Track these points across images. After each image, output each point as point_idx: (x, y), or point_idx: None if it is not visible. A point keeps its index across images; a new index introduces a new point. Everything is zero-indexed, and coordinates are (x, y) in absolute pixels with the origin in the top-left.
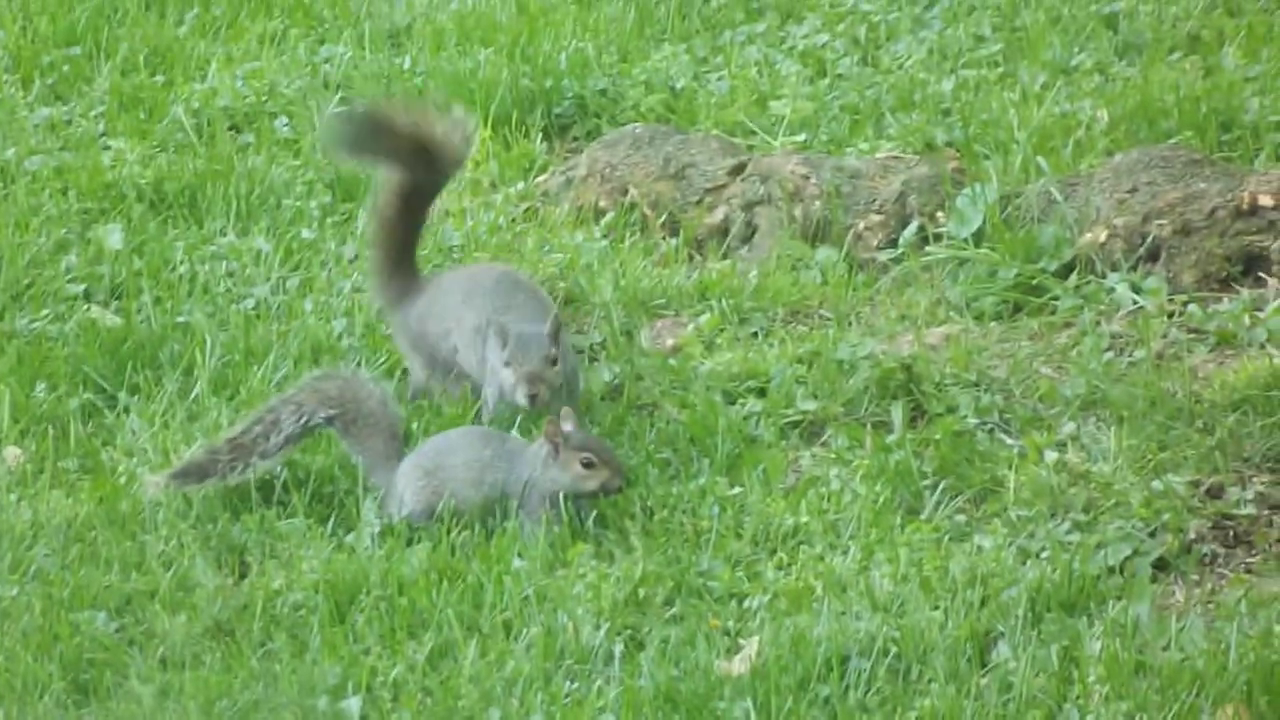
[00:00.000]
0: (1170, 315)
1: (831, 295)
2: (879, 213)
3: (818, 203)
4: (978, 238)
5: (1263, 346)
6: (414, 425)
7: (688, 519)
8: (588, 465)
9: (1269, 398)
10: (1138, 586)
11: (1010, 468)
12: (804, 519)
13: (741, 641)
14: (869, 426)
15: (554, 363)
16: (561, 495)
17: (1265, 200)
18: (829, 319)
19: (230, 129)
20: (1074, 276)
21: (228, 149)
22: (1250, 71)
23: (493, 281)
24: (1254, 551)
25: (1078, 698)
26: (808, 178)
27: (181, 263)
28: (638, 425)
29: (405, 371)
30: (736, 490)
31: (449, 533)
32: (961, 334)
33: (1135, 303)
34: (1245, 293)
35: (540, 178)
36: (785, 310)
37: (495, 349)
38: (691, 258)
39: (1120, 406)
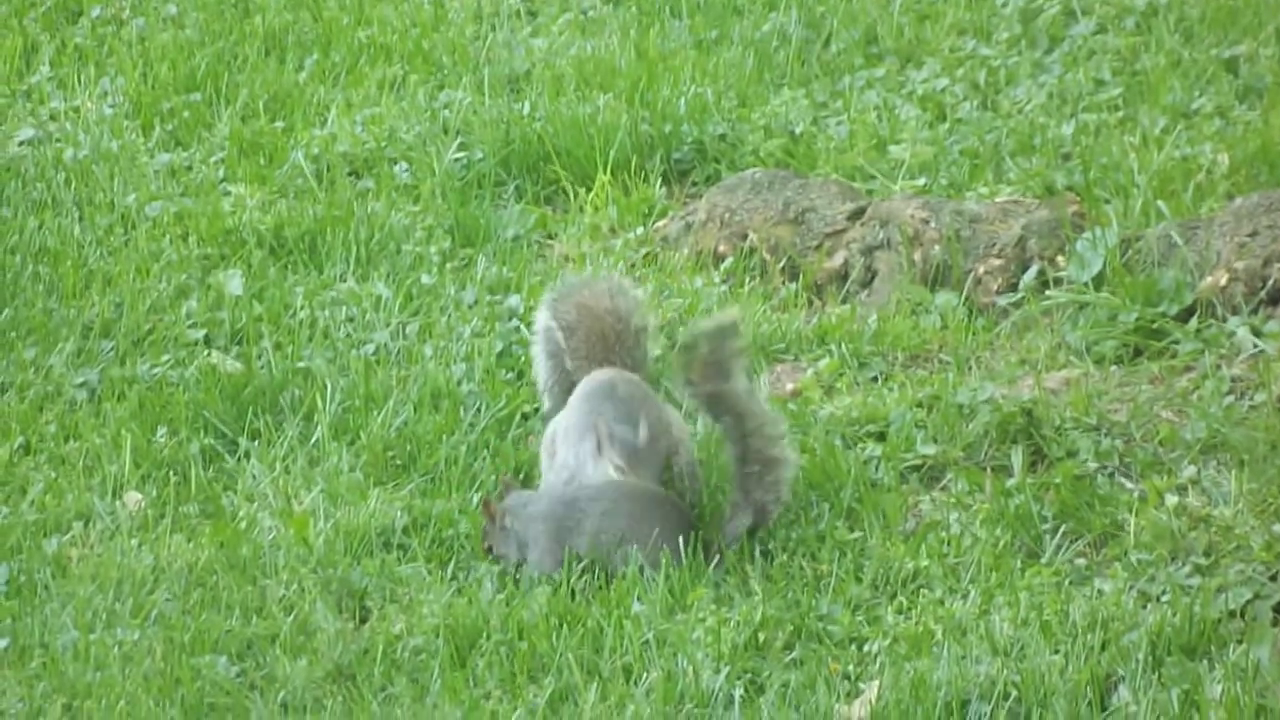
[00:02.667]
0: None
1: (951, 339)
2: (999, 257)
3: (937, 247)
4: (1098, 282)
5: None
6: None
7: (807, 563)
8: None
9: None
10: (1259, 630)
11: (1130, 511)
12: (924, 563)
13: (861, 686)
14: (989, 471)
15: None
16: None
17: None
18: (948, 363)
19: (350, 174)
20: (1194, 320)
21: (347, 194)
22: None
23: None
24: None
25: None
26: (927, 222)
27: (301, 308)
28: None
29: (524, 416)
30: (856, 534)
31: (569, 578)
32: (1081, 378)
33: (1256, 346)
34: None
35: (659, 223)
36: (904, 355)
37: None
38: (811, 302)
39: (1241, 450)
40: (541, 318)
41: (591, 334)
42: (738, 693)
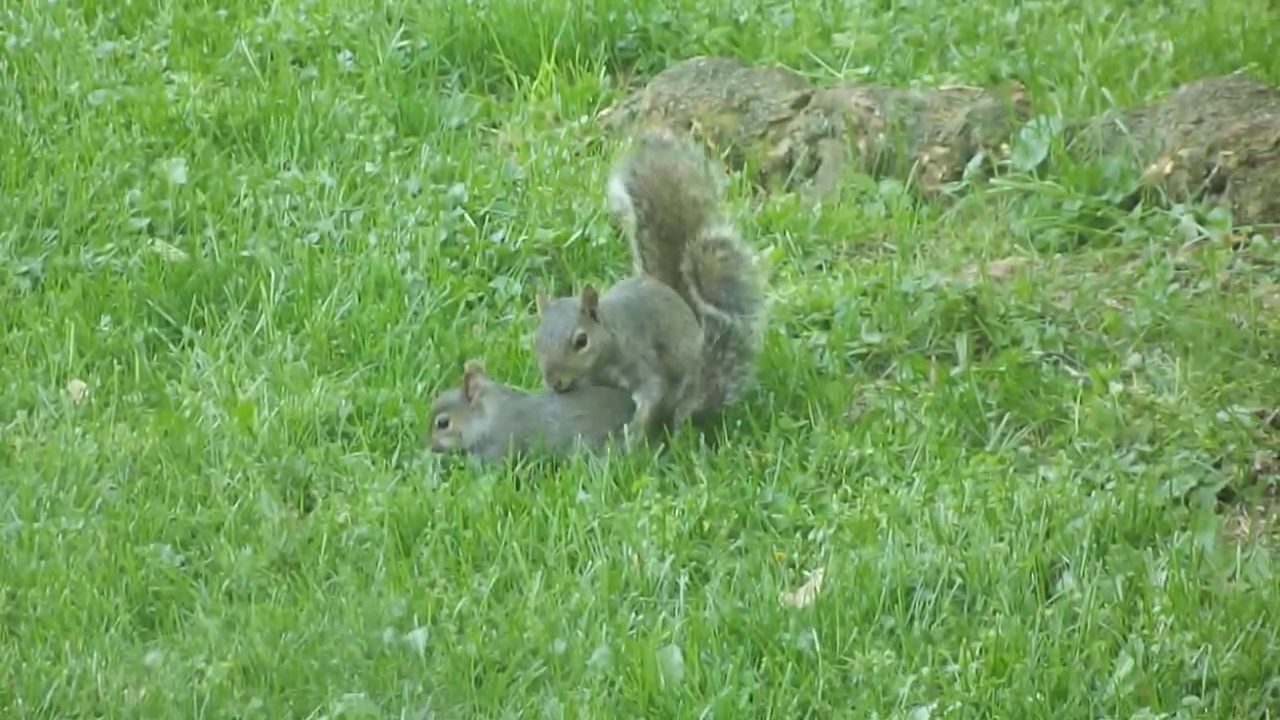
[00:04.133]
0: (1235, 246)
1: (896, 228)
2: (943, 145)
3: (882, 135)
4: (1042, 170)
5: None
6: None
7: (752, 451)
8: (442, 425)
9: None
10: (1203, 517)
11: (1075, 399)
12: (869, 451)
13: (806, 573)
14: (934, 359)
15: (580, 344)
16: None
17: None
18: (893, 252)
19: (293, 63)
20: (1139, 208)
21: (291, 83)
22: None
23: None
24: None
25: (1143, 628)
26: (872, 110)
27: (245, 197)
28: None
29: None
30: (801, 423)
31: (514, 466)
32: (1026, 266)
33: (1200, 234)
34: None
35: (604, 111)
36: (849, 243)
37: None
38: (755, 191)
39: (1185, 338)
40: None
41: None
42: (683, 581)
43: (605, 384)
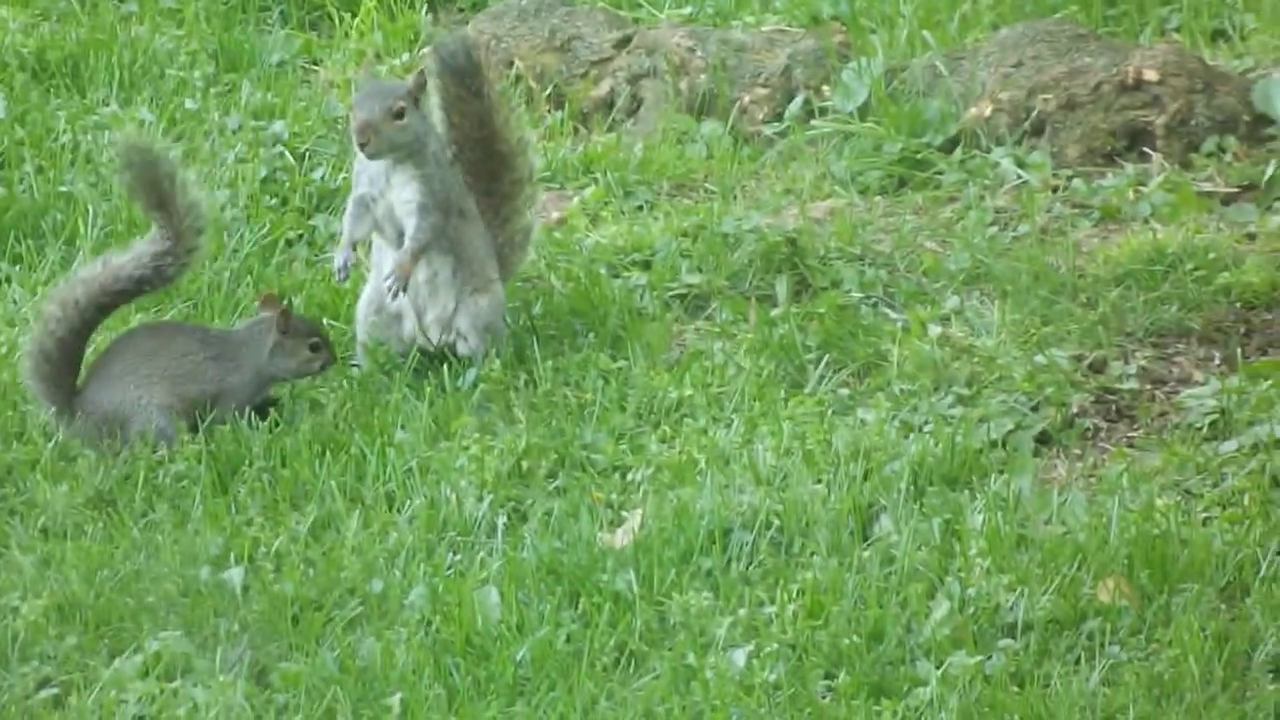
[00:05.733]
0: (1054, 190)
1: (716, 169)
2: (764, 86)
3: (703, 76)
4: (863, 112)
5: (1146, 221)
6: None
7: (571, 392)
8: (315, 349)
9: (1152, 272)
10: (1020, 460)
11: (894, 342)
12: (688, 392)
13: (624, 514)
14: (753, 300)
15: (399, 116)
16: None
17: (1150, 75)
18: (714, 193)
19: None
20: (959, 151)
21: (111, 18)
22: None
23: None
24: (1136, 426)
25: (959, 571)
26: (693, 51)
27: (64, 132)
28: (522, 297)
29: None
30: (620, 363)
31: (332, 405)
32: (846, 208)
33: (1020, 177)
34: (1129, 168)
35: (425, 50)
36: (670, 184)
37: None
38: (576, 131)
39: (1004, 281)
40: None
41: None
42: (501, 521)
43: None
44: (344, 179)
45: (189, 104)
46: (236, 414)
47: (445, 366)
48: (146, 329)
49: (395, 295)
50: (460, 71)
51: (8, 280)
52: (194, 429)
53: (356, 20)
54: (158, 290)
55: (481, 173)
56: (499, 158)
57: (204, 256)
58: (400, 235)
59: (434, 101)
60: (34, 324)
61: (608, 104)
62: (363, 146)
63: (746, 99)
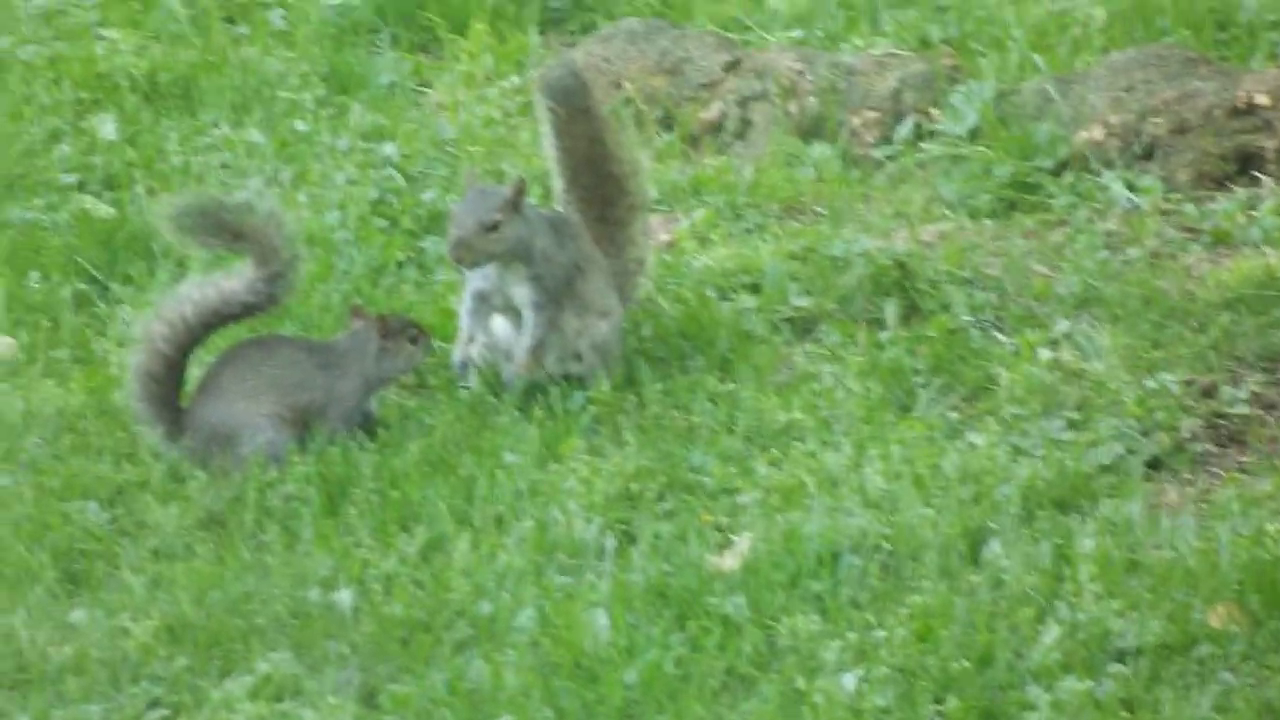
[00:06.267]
0: (1165, 214)
1: (826, 192)
2: (874, 109)
3: (813, 99)
4: (973, 135)
5: (1257, 245)
6: None
7: (680, 414)
8: (415, 340)
9: (1263, 296)
10: (1130, 485)
11: (1004, 365)
12: (797, 415)
13: (733, 537)
14: (863, 323)
15: (493, 229)
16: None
17: (1260, 99)
18: (823, 215)
19: (224, 20)
20: (1069, 174)
21: (222, 40)
22: None
23: None
24: (1246, 450)
25: (1070, 595)
26: (803, 74)
27: (175, 154)
28: (632, 320)
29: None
30: (729, 386)
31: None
32: (956, 231)
33: (1130, 201)
34: (1240, 191)
35: (535, 72)
36: (779, 206)
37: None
38: (686, 153)
39: (1114, 305)
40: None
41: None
42: (610, 543)
43: (500, 293)
44: (453, 201)
45: (299, 126)
46: (343, 425)
47: (554, 389)
48: (250, 343)
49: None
50: (567, 93)
51: (119, 301)
52: (303, 442)
53: (466, 42)
54: (265, 313)
55: (596, 199)
56: (613, 181)
57: (303, 275)
58: (518, 315)
59: (545, 130)
60: (140, 344)
61: (717, 127)
62: (459, 262)
63: (856, 122)
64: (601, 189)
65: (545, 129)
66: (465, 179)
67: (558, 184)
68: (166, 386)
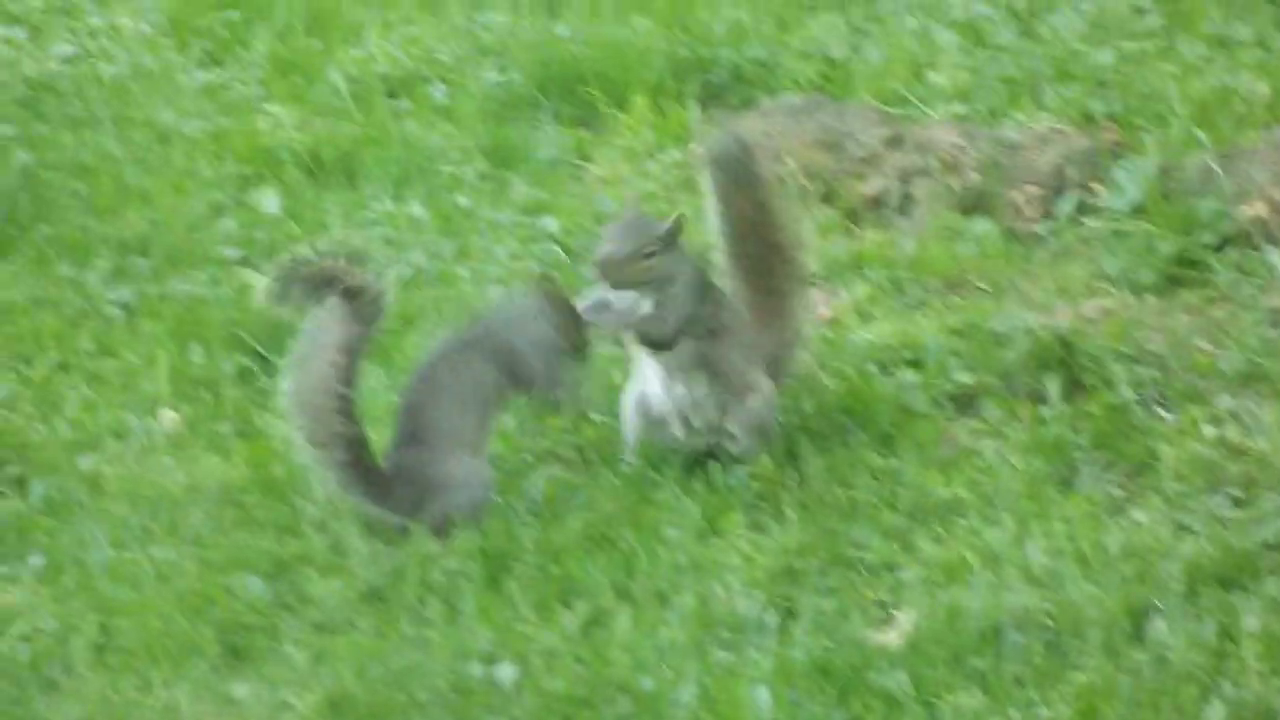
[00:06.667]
0: None
1: (988, 267)
2: (1036, 184)
3: (975, 174)
4: (1135, 210)
5: None
6: None
7: (842, 490)
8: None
9: None
10: None
11: (1167, 442)
12: (959, 491)
13: (895, 613)
14: (1025, 399)
15: (648, 256)
16: None
17: None
18: (985, 291)
19: (386, 95)
20: (1232, 250)
21: (384, 115)
22: None
23: None
24: None
25: (1234, 674)
26: (964, 149)
27: (337, 228)
28: (793, 395)
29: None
30: (891, 462)
31: (602, 501)
32: (1118, 307)
33: None
34: None
35: (695, 146)
36: (941, 282)
37: None
38: (847, 228)
39: (1278, 381)
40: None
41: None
42: (771, 619)
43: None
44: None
45: (461, 200)
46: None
47: (715, 464)
48: (422, 377)
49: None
50: (734, 160)
51: (280, 375)
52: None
53: (627, 117)
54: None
55: (759, 269)
56: (777, 251)
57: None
58: (671, 381)
59: (710, 200)
60: (311, 430)
61: (878, 201)
62: (604, 277)
63: (1018, 197)
64: (765, 259)
65: (710, 198)
66: (625, 204)
67: (721, 257)
68: (360, 451)
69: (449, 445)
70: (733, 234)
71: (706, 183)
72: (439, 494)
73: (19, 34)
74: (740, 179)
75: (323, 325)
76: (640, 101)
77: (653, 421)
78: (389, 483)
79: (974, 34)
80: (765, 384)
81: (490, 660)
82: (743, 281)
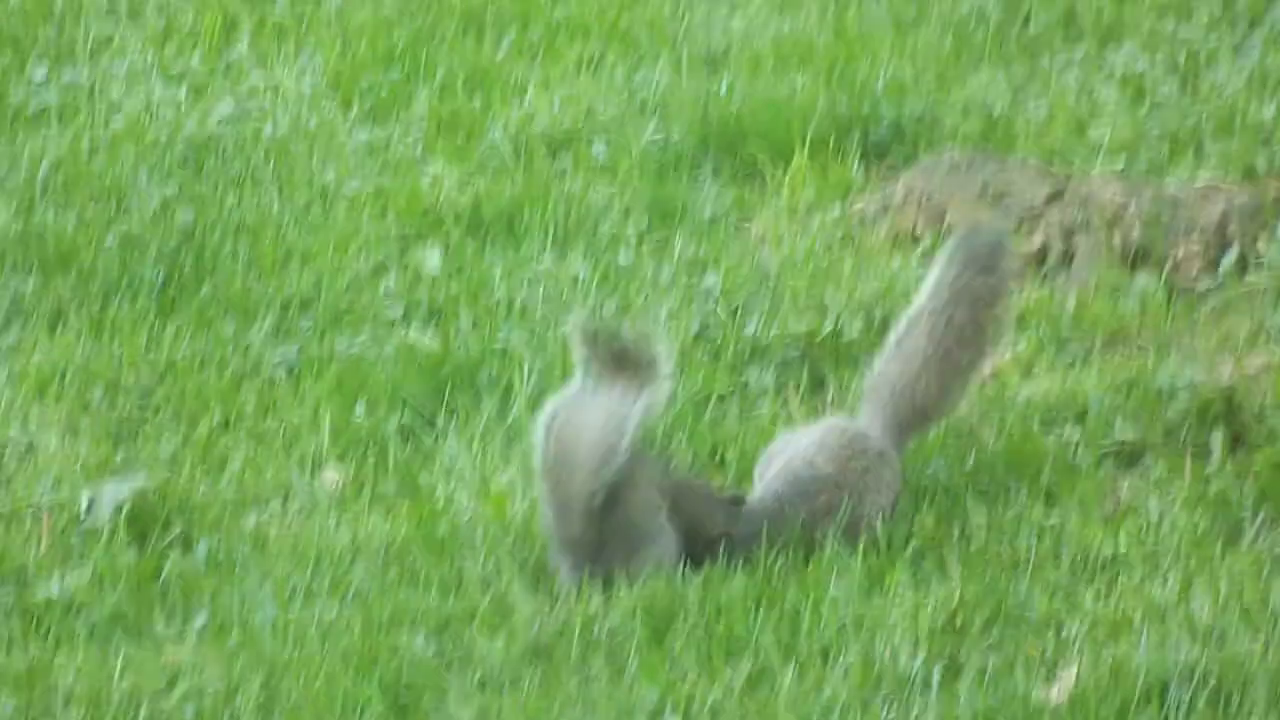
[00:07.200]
0: None
1: (1150, 322)
2: (1198, 240)
3: (1136, 229)
4: None
5: None
6: None
7: (1005, 546)
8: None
9: None
10: None
11: None
12: (1122, 548)
13: (1059, 670)
14: (1188, 455)
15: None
16: None
17: None
18: (1147, 347)
19: (547, 153)
20: None
21: (545, 173)
22: None
23: None
24: None
25: None
26: (1126, 205)
27: (499, 286)
28: (955, 451)
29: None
30: (1054, 518)
31: (766, 558)
32: None
33: None
34: None
35: (856, 204)
36: (1103, 337)
37: None
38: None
39: None
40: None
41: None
42: (935, 675)
43: None
44: (775, 334)
45: (622, 258)
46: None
47: (879, 520)
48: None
49: None
50: (986, 250)
51: (444, 433)
52: None
53: (788, 174)
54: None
55: (959, 338)
56: (982, 331)
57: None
58: None
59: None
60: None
61: (1040, 257)
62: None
63: (1180, 252)
64: (969, 333)
65: (944, 270)
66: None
67: (921, 317)
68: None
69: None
70: (951, 303)
71: (947, 257)
72: (644, 546)
73: (180, 94)
74: (987, 267)
75: (611, 403)
76: (801, 158)
77: None
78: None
79: (1136, 89)
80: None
81: (655, 717)
82: (934, 342)
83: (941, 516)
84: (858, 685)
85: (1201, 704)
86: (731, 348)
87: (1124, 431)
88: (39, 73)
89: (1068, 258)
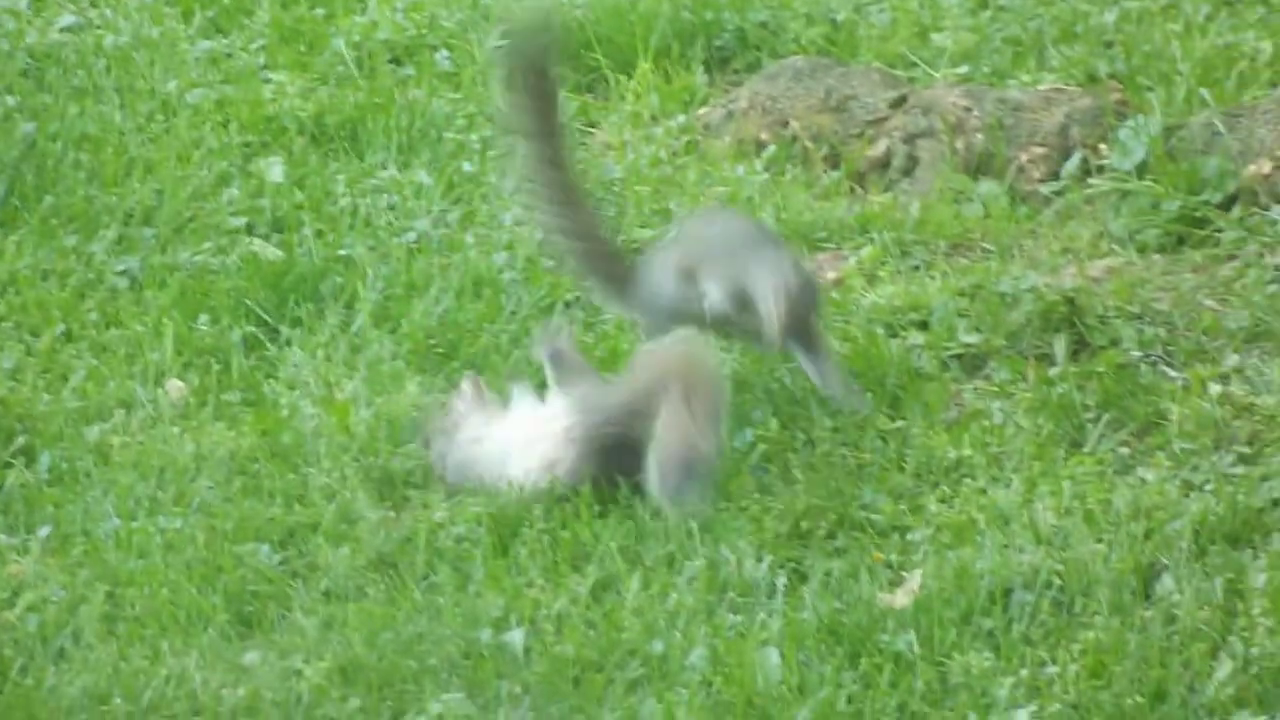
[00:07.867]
0: None
1: (993, 228)
2: (1041, 145)
3: (980, 135)
4: (1141, 170)
5: None
6: None
7: (849, 452)
8: None
9: None
10: None
11: (1173, 401)
12: (966, 452)
13: (904, 574)
14: (1031, 359)
15: None
16: None
17: None
18: (991, 252)
19: (390, 62)
20: (1237, 209)
21: (388, 82)
22: None
23: None
24: None
25: (1242, 630)
26: (969, 110)
27: (343, 196)
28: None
29: (565, 305)
30: (898, 423)
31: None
32: (1124, 267)
33: None
34: None
35: (701, 111)
36: (947, 243)
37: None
38: (852, 190)
39: None
40: None
41: None
42: (780, 581)
43: None
44: (620, 241)
45: (466, 166)
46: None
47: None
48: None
49: None
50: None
51: (288, 343)
52: None
53: (632, 82)
54: None
55: None
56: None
57: None
58: None
59: None
60: None
61: (883, 164)
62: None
63: (1023, 158)
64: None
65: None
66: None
67: None
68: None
69: None
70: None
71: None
72: None
73: (20, 4)
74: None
75: None
76: (645, 67)
77: None
78: None
79: None
80: None
81: (500, 626)
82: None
83: (786, 422)
84: (703, 592)
85: (1045, 607)
86: None
87: (968, 337)
88: None
89: (911, 164)
